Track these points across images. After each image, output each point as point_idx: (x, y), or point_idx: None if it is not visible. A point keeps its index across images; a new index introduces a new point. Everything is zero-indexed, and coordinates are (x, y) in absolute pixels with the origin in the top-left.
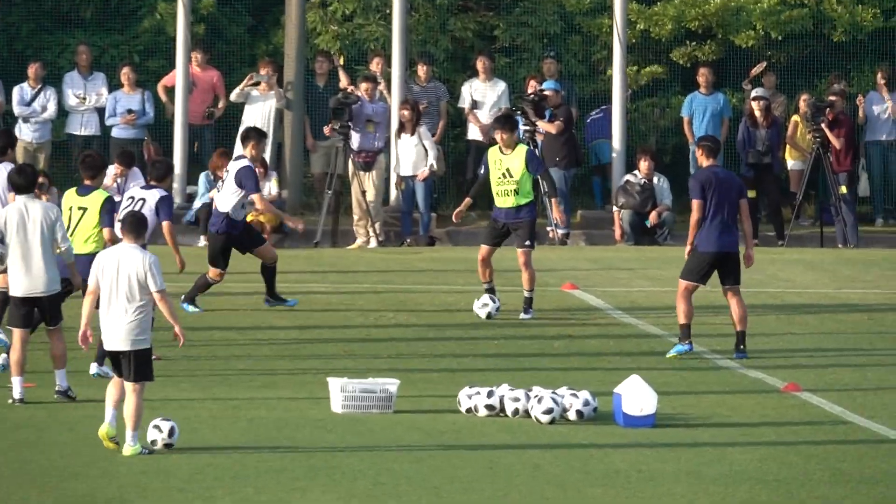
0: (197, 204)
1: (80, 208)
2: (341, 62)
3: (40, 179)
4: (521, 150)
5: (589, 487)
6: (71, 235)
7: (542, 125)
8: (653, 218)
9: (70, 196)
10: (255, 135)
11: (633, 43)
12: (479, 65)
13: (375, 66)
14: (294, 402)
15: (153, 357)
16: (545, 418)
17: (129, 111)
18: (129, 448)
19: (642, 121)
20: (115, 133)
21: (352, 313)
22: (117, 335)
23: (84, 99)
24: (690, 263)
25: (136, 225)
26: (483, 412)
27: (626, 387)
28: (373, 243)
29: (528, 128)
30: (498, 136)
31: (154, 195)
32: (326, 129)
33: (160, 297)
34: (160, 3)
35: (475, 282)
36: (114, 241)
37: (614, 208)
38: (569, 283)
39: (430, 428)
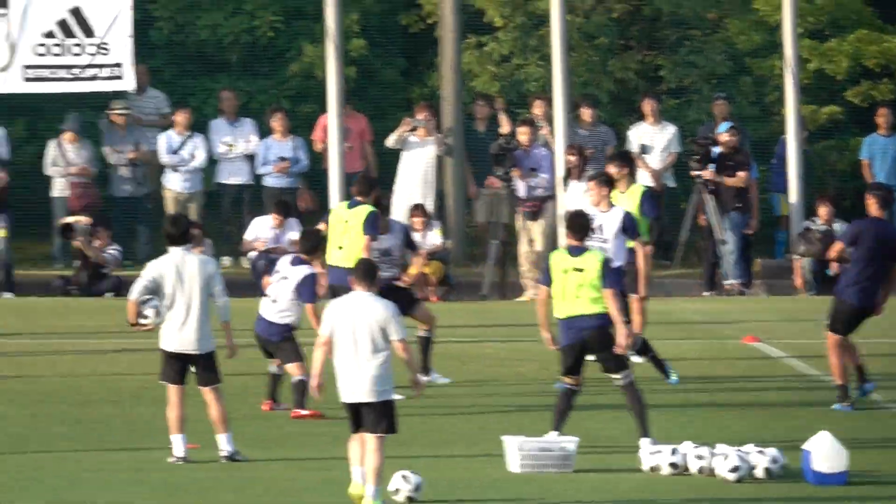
0: None
1: None
2: (502, 105)
3: (194, 231)
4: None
5: None
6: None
7: (725, 179)
8: (834, 266)
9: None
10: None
11: (807, 84)
12: (646, 107)
13: (537, 109)
14: (469, 461)
15: None
16: (732, 476)
17: (282, 159)
18: (370, 502)
19: (820, 164)
20: (267, 182)
21: (524, 368)
22: (360, 387)
23: (232, 146)
24: (837, 314)
25: (367, 272)
26: (667, 470)
27: (815, 443)
28: None
29: (698, 173)
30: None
31: (298, 274)
32: (493, 181)
33: (402, 347)
34: (308, 46)
35: (652, 335)
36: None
37: (794, 257)
38: (750, 336)
39: (611, 487)
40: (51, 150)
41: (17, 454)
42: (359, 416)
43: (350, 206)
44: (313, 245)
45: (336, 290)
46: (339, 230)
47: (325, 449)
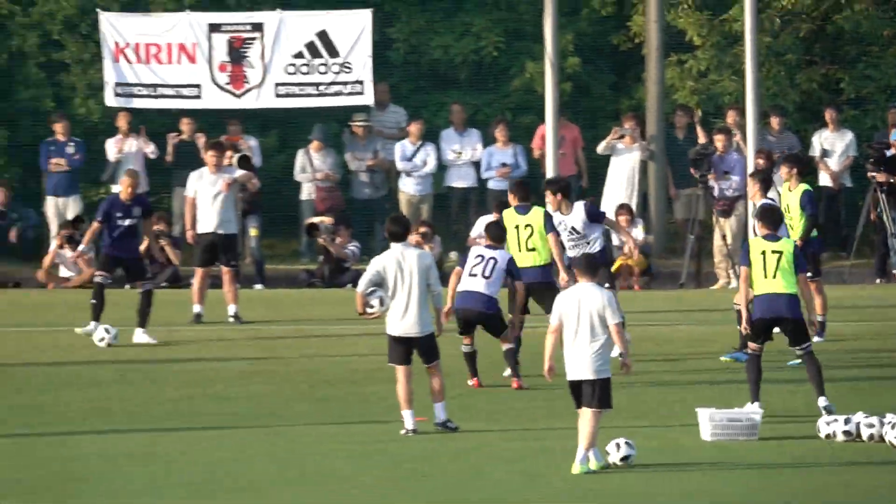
0: None
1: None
2: (699, 116)
3: (423, 229)
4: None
5: None
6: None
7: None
8: None
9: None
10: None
11: None
12: (828, 116)
13: (731, 118)
14: (666, 431)
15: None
16: None
17: (503, 164)
18: (578, 466)
19: None
20: (491, 185)
21: (715, 348)
22: (582, 366)
23: (460, 154)
24: None
25: (589, 265)
26: (840, 438)
27: None
28: (734, 283)
29: (873, 174)
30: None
31: (504, 256)
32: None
33: (616, 329)
34: (529, 64)
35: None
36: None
37: None
38: None
39: (791, 451)
40: (299, 158)
41: (267, 427)
42: (580, 393)
43: (520, 212)
44: (502, 234)
45: (531, 288)
46: (520, 235)
47: (542, 421)
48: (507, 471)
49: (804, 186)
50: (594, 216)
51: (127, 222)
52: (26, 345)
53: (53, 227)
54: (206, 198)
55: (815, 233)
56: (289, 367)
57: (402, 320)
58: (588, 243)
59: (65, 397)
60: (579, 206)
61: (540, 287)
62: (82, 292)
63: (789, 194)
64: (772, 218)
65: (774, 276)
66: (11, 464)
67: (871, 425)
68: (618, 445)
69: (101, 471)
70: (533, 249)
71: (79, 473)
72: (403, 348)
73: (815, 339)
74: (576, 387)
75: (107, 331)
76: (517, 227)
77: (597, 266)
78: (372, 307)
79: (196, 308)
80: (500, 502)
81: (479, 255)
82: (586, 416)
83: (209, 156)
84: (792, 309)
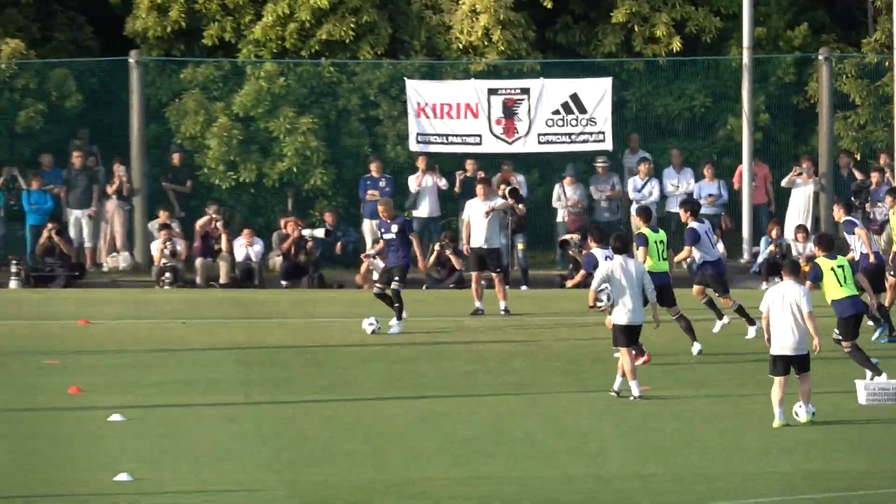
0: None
1: None
2: (857, 159)
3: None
4: None
5: None
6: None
7: None
8: None
9: None
10: None
11: None
12: None
13: (882, 160)
14: (832, 396)
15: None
16: None
17: (710, 195)
18: (804, 416)
19: None
20: (702, 210)
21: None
22: (789, 345)
23: (677, 187)
24: None
25: (793, 268)
26: None
27: None
28: None
29: None
30: None
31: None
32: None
33: (808, 316)
34: (731, 118)
35: None
36: None
37: None
38: None
39: None
40: (556, 190)
41: (529, 394)
42: (787, 365)
43: (655, 231)
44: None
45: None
46: (657, 249)
47: (737, 388)
48: (714, 428)
49: None
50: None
51: (387, 236)
52: (345, 332)
53: (368, 242)
54: (476, 220)
55: None
56: (545, 349)
57: (627, 312)
58: None
59: (371, 370)
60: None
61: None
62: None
63: (894, 217)
64: (826, 242)
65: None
66: (327, 429)
67: None
68: (800, 406)
69: (401, 429)
70: (666, 259)
71: (383, 432)
72: (630, 333)
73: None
74: (785, 360)
75: (375, 321)
76: (655, 242)
77: (798, 267)
78: (601, 301)
79: (476, 304)
80: (710, 446)
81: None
82: (803, 380)
83: (479, 188)
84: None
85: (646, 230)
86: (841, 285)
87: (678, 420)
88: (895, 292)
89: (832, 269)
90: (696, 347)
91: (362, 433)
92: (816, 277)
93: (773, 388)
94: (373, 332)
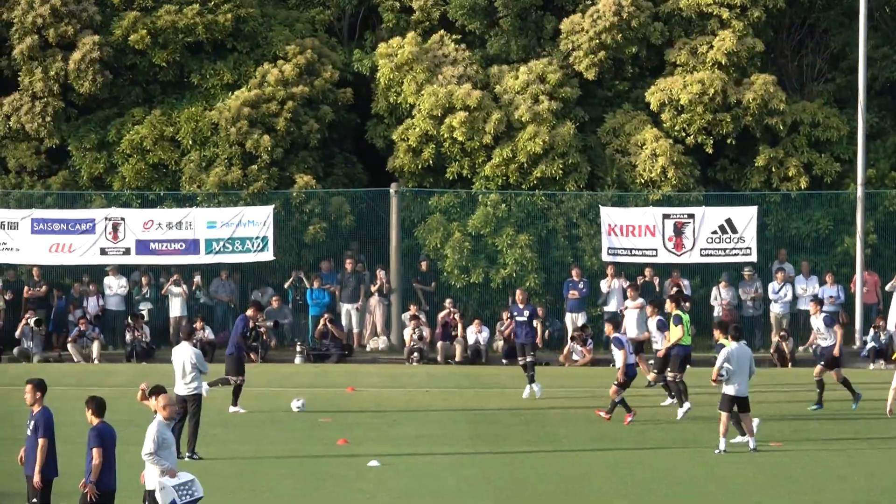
0: (868, 345)
1: None
2: None
3: None
4: None
5: None
6: None
7: None
8: None
9: None
10: None
11: None
12: None
13: None
14: None
15: None
16: None
17: (830, 297)
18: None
19: None
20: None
21: None
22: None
23: (805, 290)
24: None
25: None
26: None
27: None
28: None
29: None
30: None
31: None
32: None
33: None
34: (847, 238)
35: None
36: None
37: None
38: None
39: None
40: (713, 291)
41: (686, 448)
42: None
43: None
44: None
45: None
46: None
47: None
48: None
49: None
50: None
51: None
52: (549, 398)
53: (569, 330)
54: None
55: None
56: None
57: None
58: None
59: (571, 426)
60: None
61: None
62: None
63: None
64: None
65: None
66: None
67: None
68: None
69: (591, 474)
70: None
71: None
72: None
73: None
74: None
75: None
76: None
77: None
78: (722, 376)
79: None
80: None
81: None
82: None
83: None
84: None
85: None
86: None
87: (805, 468)
88: None
89: None
90: (681, 410)
91: (560, 476)
92: None
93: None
94: (298, 409)
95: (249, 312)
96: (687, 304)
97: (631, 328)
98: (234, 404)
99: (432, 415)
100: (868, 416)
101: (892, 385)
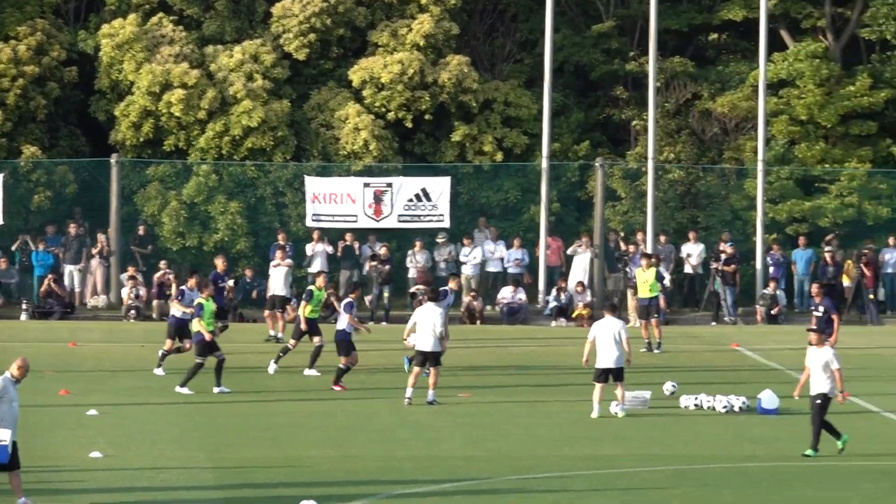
0: (551, 304)
1: None
2: (621, 235)
3: None
4: None
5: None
6: None
7: None
8: None
9: None
10: None
11: None
12: (691, 236)
13: (639, 237)
14: None
15: None
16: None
17: (516, 259)
18: (621, 413)
19: None
20: (511, 270)
21: None
22: (611, 360)
23: (493, 253)
24: None
25: (614, 308)
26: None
27: (765, 394)
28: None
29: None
30: None
31: None
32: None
33: (627, 341)
34: (533, 207)
35: None
36: None
37: None
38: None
39: None
40: (408, 255)
41: (381, 399)
42: (607, 374)
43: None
44: None
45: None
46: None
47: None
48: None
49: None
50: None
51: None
52: (264, 357)
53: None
54: None
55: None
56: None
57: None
58: None
59: (267, 376)
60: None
61: None
62: None
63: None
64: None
65: None
66: (239, 421)
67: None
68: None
69: (294, 422)
70: None
71: (281, 423)
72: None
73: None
74: (605, 370)
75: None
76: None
77: (616, 308)
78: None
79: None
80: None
81: None
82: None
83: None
84: None
85: None
86: None
87: (491, 416)
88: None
89: None
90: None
91: (264, 425)
92: None
93: (595, 391)
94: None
95: None
96: (387, 266)
97: (276, 286)
98: None
99: (148, 368)
100: (550, 369)
101: (587, 340)
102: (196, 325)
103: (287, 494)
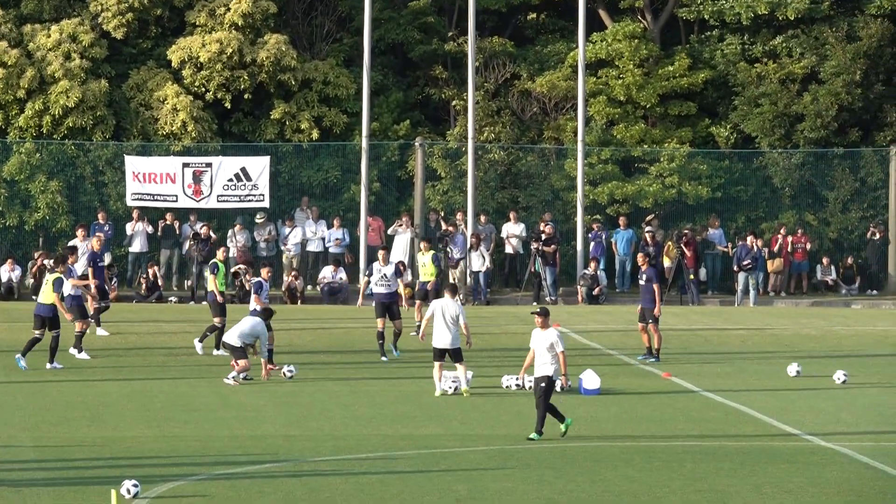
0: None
1: None
2: (442, 214)
3: None
4: None
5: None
6: None
7: None
8: None
9: None
10: None
11: None
12: (512, 215)
13: (459, 217)
14: None
15: None
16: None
17: (336, 239)
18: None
19: None
20: (334, 250)
21: None
22: (447, 341)
23: (315, 232)
24: None
25: (453, 289)
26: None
27: (587, 374)
28: None
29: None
30: None
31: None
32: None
33: (465, 326)
34: (353, 186)
35: None
36: None
37: None
38: None
39: None
40: (229, 234)
41: (202, 378)
42: (444, 354)
43: (427, 254)
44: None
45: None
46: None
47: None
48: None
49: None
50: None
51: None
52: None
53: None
54: None
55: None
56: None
57: None
58: None
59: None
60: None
61: None
62: None
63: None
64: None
65: None
66: (63, 400)
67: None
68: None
69: (113, 403)
70: None
71: (103, 402)
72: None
73: None
74: (441, 350)
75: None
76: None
77: (456, 289)
78: None
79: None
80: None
81: None
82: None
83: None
84: None
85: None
86: None
87: (312, 396)
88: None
89: None
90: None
91: (86, 404)
92: None
93: (435, 370)
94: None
95: None
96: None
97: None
98: None
99: None
100: (371, 349)
101: (425, 316)
102: (211, 285)
103: (108, 476)
